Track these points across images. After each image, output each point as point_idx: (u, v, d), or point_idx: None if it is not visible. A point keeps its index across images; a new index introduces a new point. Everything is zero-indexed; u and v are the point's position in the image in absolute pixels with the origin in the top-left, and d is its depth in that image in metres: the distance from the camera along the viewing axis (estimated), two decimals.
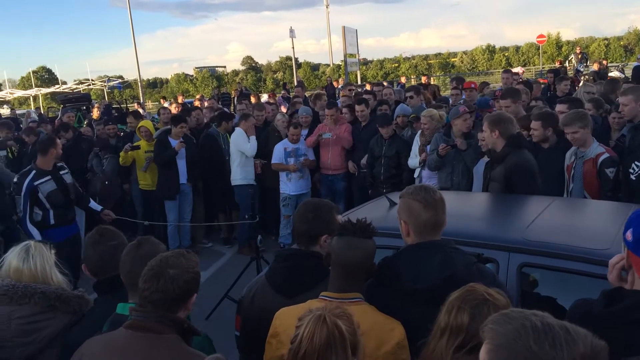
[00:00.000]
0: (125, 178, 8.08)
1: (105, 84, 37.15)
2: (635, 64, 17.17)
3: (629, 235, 1.78)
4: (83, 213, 7.43)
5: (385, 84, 13.42)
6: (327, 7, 35.04)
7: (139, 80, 29.92)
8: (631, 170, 4.28)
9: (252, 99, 12.23)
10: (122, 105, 25.55)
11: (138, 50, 28.65)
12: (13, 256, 2.56)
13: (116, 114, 19.37)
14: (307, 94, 15.72)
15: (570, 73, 18.11)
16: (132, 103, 25.87)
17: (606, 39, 53.91)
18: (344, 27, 23.31)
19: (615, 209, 3.62)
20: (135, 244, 2.41)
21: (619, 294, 1.75)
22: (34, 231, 5.34)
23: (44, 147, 5.48)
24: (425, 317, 2.11)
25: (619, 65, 22.83)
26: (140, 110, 12.93)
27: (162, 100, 18.43)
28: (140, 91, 31.89)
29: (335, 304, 1.92)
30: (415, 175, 6.18)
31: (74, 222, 5.84)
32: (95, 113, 13.73)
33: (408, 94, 8.06)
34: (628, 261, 1.80)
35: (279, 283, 2.46)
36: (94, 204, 6.00)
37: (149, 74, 79.54)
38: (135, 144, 7.62)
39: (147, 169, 7.65)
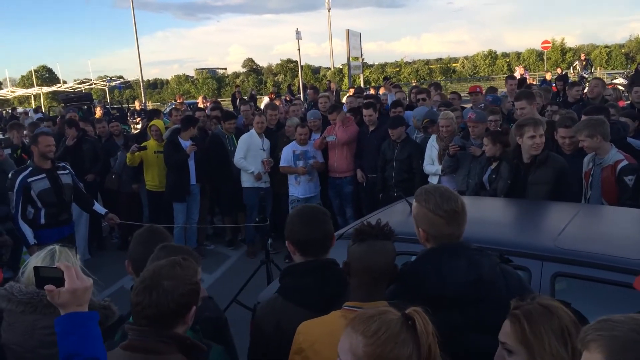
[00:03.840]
0: (135, 177, 7.97)
1: (107, 84, 37.01)
2: None
3: None
4: (86, 216, 7.37)
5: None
6: (329, 11, 35.03)
7: (140, 80, 29.83)
8: None
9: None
10: (122, 105, 25.57)
11: (139, 51, 28.52)
12: (37, 261, 2.38)
13: (117, 114, 19.46)
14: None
15: (574, 79, 18.07)
16: (132, 103, 25.84)
17: (607, 46, 53.96)
18: (347, 31, 23.26)
19: None
20: (159, 248, 2.28)
21: None
22: (26, 229, 5.22)
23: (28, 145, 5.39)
24: (451, 322, 2.04)
25: (623, 72, 22.83)
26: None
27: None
28: (141, 91, 31.79)
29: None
30: (435, 181, 6.11)
31: (69, 224, 5.70)
32: (98, 112, 13.67)
33: (420, 96, 7.97)
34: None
35: (312, 299, 2.25)
36: (98, 207, 5.86)
37: (149, 74, 79.59)
38: (142, 145, 7.52)
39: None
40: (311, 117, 7.79)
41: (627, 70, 19.92)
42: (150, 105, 33.13)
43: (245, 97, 19.08)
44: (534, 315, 1.64)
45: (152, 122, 7.88)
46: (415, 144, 6.67)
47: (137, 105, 21.18)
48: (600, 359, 1.15)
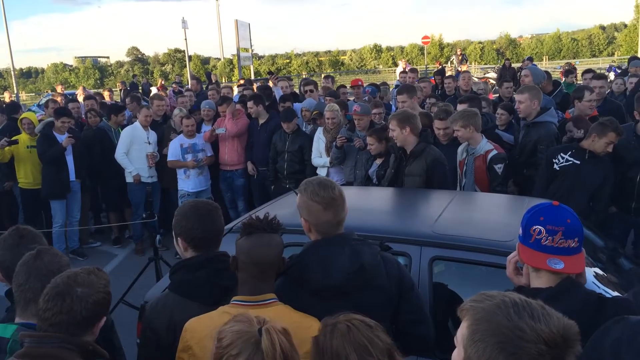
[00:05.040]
0: (6, 175, 7.32)
1: None
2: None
3: (520, 230, 1.97)
4: None
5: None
6: (217, 0, 34.28)
7: (12, 69, 27.41)
8: (555, 161, 4.64)
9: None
10: None
11: (9, 37, 26.18)
12: None
13: None
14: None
15: (451, 72, 19.20)
16: (1, 94, 23.65)
17: (481, 42, 58.11)
18: (236, 21, 22.95)
19: (512, 202, 3.87)
20: (33, 254, 2.14)
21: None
22: None
23: None
24: (338, 310, 2.12)
25: (494, 67, 24.73)
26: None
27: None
28: (13, 81, 29.25)
29: (263, 318, 1.75)
30: (324, 174, 6.23)
31: None
32: None
33: (307, 88, 8.07)
34: (520, 255, 1.97)
35: (205, 293, 2.23)
36: None
37: (21, 63, 73.46)
38: (13, 138, 6.94)
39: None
40: (205, 106, 7.60)
41: (497, 65, 21.60)
42: (23, 96, 30.63)
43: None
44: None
45: (24, 115, 7.32)
46: (306, 136, 6.75)
47: (7, 96, 19.26)
48: (466, 325, 1.27)
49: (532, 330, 1.18)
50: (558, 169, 4.62)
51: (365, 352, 1.59)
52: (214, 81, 17.16)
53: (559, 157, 4.64)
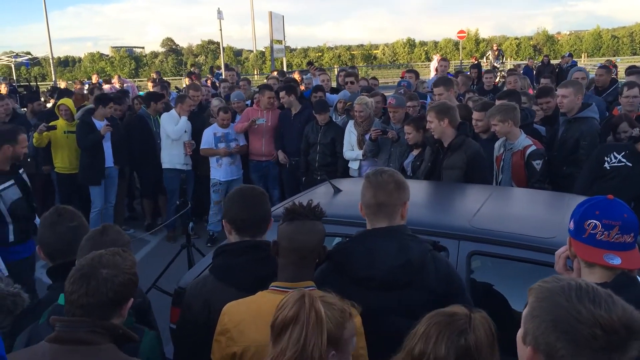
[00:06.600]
0: (46, 159, 7.44)
1: (12, 60, 34.36)
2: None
3: (571, 224, 1.91)
4: None
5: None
6: None
7: (50, 57, 28.02)
8: (607, 159, 4.43)
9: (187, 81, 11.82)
10: (31, 83, 23.89)
11: (49, 27, 26.80)
12: None
13: (25, 92, 18.13)
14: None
15: (487, 68, 18.87)
16: (41, 81, 24.25)
17: (517, 38, 57.01)
18: (270, 13, 23.01)
19: (553, 198, 3.76)
20: (99, 230, 2.23)
21: None
22: None
23: None
24: (379, 303, 2.11)
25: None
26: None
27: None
28: (51, 69, 29.96)
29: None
30: (356, 167, 6.19)
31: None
32: (3, 89, 12.71)
33: (348, 79, 8.03)
34: (571, 250, 1.92)
35: (242, 279, 2.23)
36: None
37: (60, 51, 74.84)
38: (51, 124, 7.06)
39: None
40: (235, 99, 7.67)
41: (536, 62, 21.14)
42: (62, 84, 31.30)
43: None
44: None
45: (61, 101, 7.44)
46: (339, 128, 6.69)
47: (62, 84, 19.65)
48: (529, 302, 1.32)
49: (589, 314, 1.19)
50: (608, 168, 4.40)
51: None
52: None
53: (612, 156, 4.41)
